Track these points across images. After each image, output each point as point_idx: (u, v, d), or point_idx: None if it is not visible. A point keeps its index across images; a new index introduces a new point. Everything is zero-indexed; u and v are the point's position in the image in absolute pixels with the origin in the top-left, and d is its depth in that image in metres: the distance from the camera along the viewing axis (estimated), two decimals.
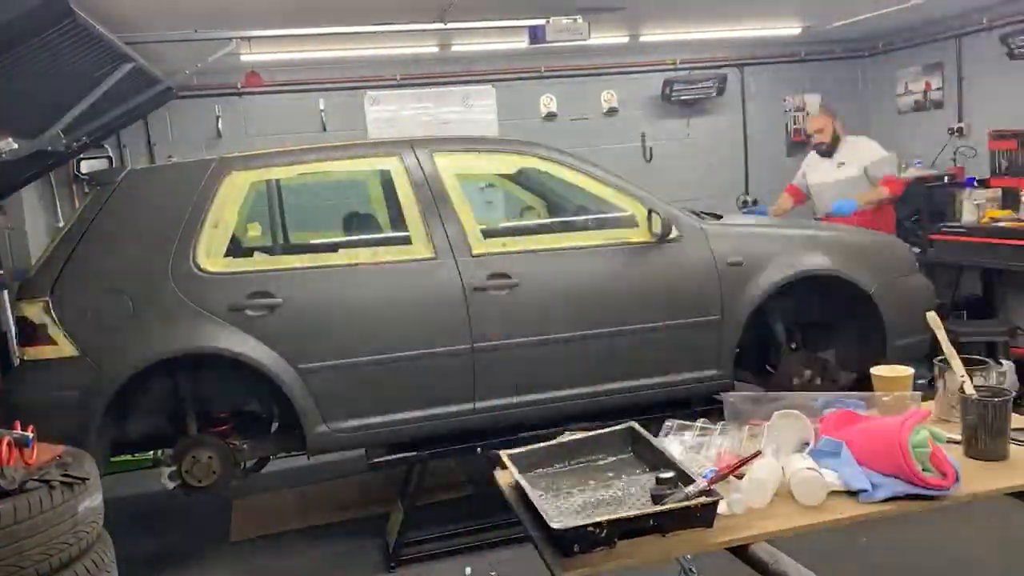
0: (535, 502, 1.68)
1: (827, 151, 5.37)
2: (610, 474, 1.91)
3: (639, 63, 7.03)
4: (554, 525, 1.57)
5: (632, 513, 1.61)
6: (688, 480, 1.69)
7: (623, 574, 1.63)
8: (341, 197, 5.42)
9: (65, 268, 3.49)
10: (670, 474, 1.73)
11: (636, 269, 3.91)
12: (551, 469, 1.95)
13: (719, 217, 4.45)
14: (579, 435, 2.04)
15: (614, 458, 1.98)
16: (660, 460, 1.84)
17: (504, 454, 1.96)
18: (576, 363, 3.82)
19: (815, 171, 5.49)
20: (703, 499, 1.62)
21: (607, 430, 2.05)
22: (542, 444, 2.01)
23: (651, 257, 3.93)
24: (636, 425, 2.04)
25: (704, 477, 1.73)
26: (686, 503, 1.61)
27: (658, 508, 1.62)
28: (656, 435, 2.06)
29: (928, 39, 6.72)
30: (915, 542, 3.48)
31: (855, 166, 5.24)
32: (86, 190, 5.67)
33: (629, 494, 1.79)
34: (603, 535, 1.58)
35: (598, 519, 1.57)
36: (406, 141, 3.96)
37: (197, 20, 4.47)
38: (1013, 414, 1.94)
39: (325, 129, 6.41)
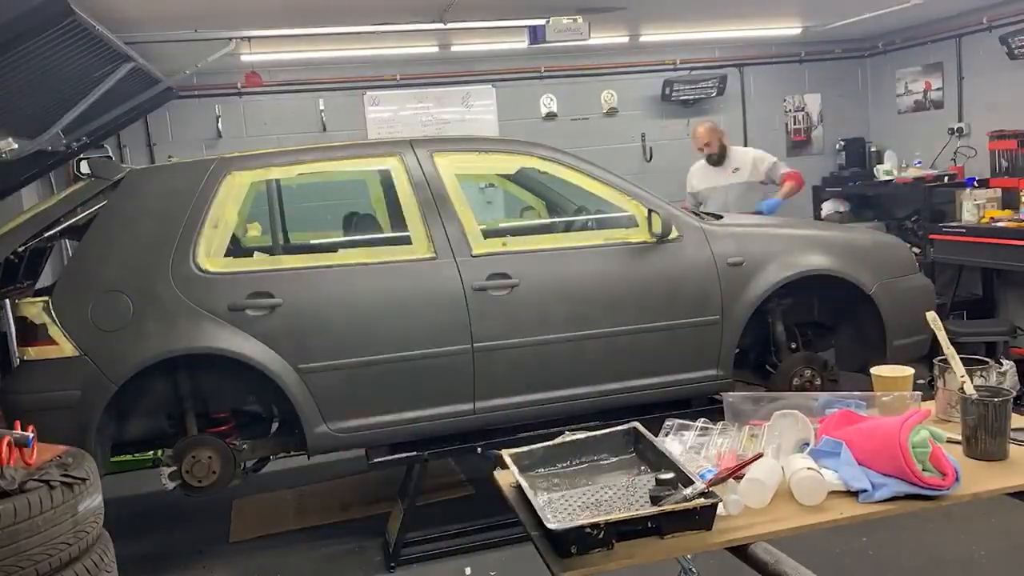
0: (534, 502, 1.68)
1: (717, 160, 5.81)
2: (612, 474, 1.91)
3: (639, 63, 7.03)
4: (551, 526, 1.57)
5: (630, 514, 1.61)
6: (688, 481, 1.69)
7: (623, 573, 1.63)
8: (341, 197, 5.43)
9: (65, 268, 3.49)
10: (670, 475, 1.73)
11: (636, 269, 3.91)
12: (553, 469, 1.95)
13: (719, 217, 4.45)
14: (581, 435, 2.03)
15: (616, 458, 1.98)
16: (662, 461, 1.84)
17: (505, 453, 1.96)
18: (576, 363, 3.82)
19: (705, 178, 5.87)
20: (701, 501, 1.62)
21: (610, 430, 2.04)
22: (544, 444, 2.01)
23: (651, 257, 3.93)
24: (639, 425, 2.03)
25: (702, 477, 1.73)
26: (684, 505, 1.61)
27: (656, 510, 1.62)
28: (656, 435, 2.05)
29: (928, 39, 6.72)
30: (915, 542, 3.48)
31: (747, 171, 5.73)
32: None
33: (630, 495, 1.79)
34: (600, 536, 1.57)
35: (595, 520, 1.57)
36: (406, 141, 3.96)
37: (197, 20, 4.47)
38: (1013, 414, 1.94)
39: (325, 129, 6.41)
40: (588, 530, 1.56)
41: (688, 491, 1.65)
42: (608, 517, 1.59)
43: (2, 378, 3.68)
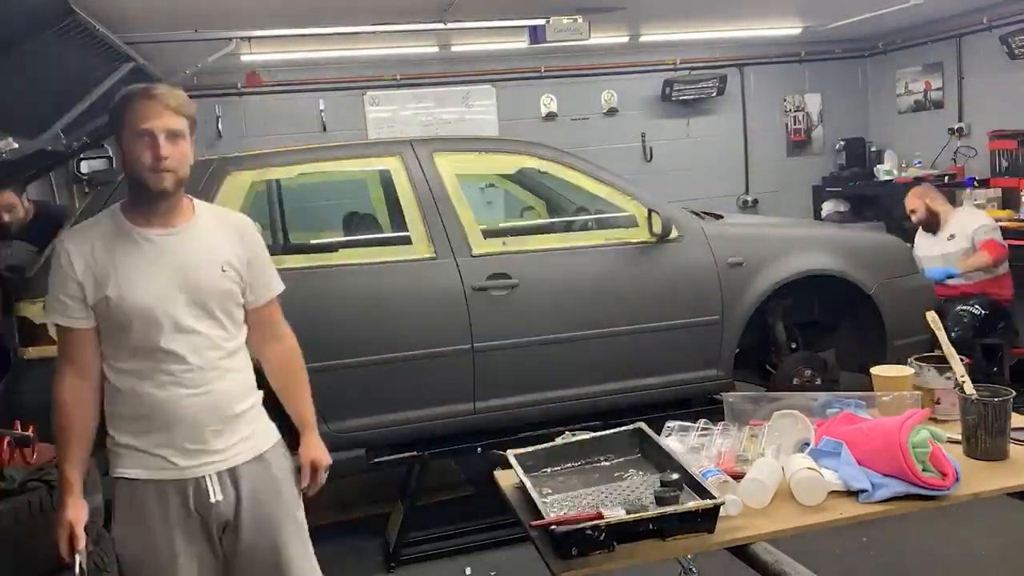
0: (537, 503, 1.68)
1: (930, 227, 5.16)
2: (616, 475, 1.90)
3: (639, 63, 7.03)
4: (555, 528, 1.57)
5: (632, 516, 1.60)
6: (693, 482, 1.68)
7: (623, 573, 1.63)
8: (341, 197, 5.43)
9: None
10: (675, 476, 1.73)
11: (636, 269, 3.91)
12: (557, 469, 1.94)
13: (719, 217, 4.45)
14: (585, 436, 2.03)
15: (622, 459, 1.97)
16: (667, 462, 1.83)
17: (510, 453, 1.96)
18: (576, 363, 3.82)
19: (920, 246, 5.16)
20: (705, 503, 1.61)
21: (615, 431, 2.04)
22: (548, 444, 2.00)
23: (651, 257, 3.93)
24: (644, 426, 2.03)
25: (705, 477, 1.74)
26: (687, 507, 1.61)
27: (658, 512, 1.62)
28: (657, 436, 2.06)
29: (928, 39, 6.72)
30: (915, 542, 3.48)
31: (964, 237, 5.01)
32: (86, 190, 5.67)
33: (633, 496, 1.78)
34: (601, 538, 1.57)
35: (597, 522, 1.57)
36: (406, 141, 3.96)
37: (197, 20, 4.47)
38: (1013, 414, 1.94)
39: (325, 129, 6.41)
40: (589, 532, 1.56)
41: (692, 493, 1.65)
42: (610, 519, 1.59)
43: (2, 378, 3.68)
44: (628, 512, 1.60)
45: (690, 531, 1.62)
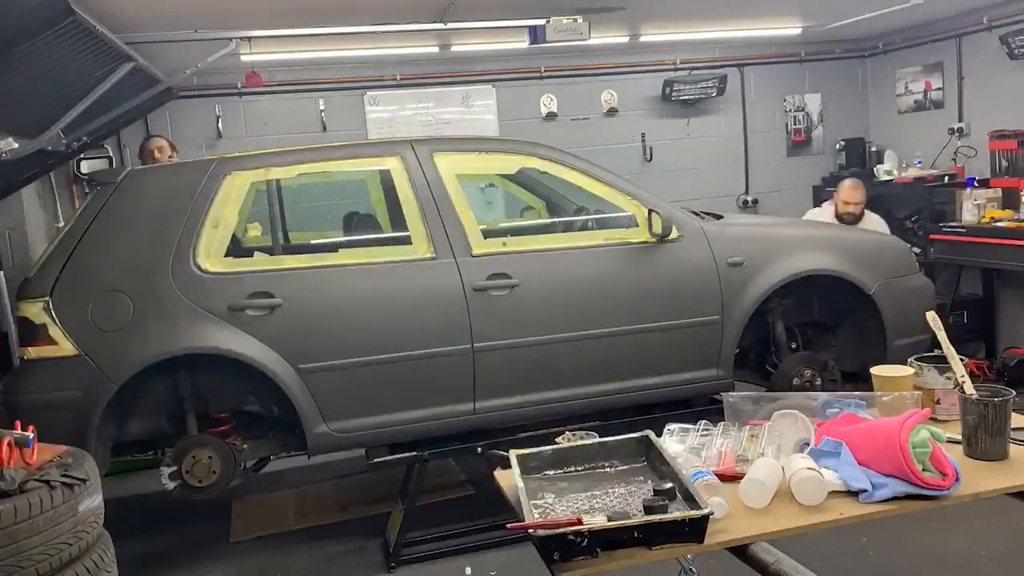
0: (524, 506, 1.67)
1: (851, 223, 5.58)
2: (619, 482, 1.90)
3: (639, 63, 7.02)
4: (533, 531, 1.56)
5: (612, 524, 1.58)
6: (686, 493, 1.67)
7: (622, 573, 1.63)
8: (341, 197, 5.43)
9: (65, 268, 3.49)
10: (668, 485, 1.72)
11: (636, 269, 3.91)
12: (560, 472, 1.94)
13: (719, 217, 4.45)
14: (591, 440, 2.02)
15: (626, 466, 1.97)
16: (668, 472, 1.83)
17: (514, 453, 1.95)
18: (576, 363, 3.82)
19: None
20: (691, 513, 1.60)
21: (624, 437, 2.03)
22: (553, 446, 1.99)
23: (651, 257, 3.93)
24: (651, 434, 2.02)
25: (692, 478, 1.73)
26: (671, 517, 1.59)
27: (641, 520, 1.60)
28: (657, 436, 2.05)
29: (928, 39, 6.71)
30: (915, 542, 3.48)
31: None
32: (86, 190, 5.67)
33: (629, 503, 1.78)
34: (583, 544, 1.56)
35: (579, 528, 1.55)
36: (406, 141, 3.96)
37: (197, 20, 4.47)
38: (1013, 413, 1.94)
39: (325, 129, 6.41)
40: (571, 538, 1.55)
41: (684, 503, 1.63)
42: (592, 525, 1.57)
43: (2, 378, 3.68)
44: (609, 519, 1.59)
45: (676, 541, 1.61)
